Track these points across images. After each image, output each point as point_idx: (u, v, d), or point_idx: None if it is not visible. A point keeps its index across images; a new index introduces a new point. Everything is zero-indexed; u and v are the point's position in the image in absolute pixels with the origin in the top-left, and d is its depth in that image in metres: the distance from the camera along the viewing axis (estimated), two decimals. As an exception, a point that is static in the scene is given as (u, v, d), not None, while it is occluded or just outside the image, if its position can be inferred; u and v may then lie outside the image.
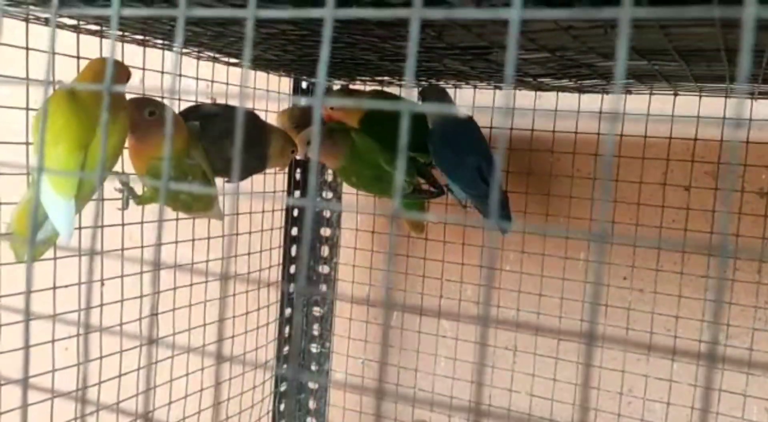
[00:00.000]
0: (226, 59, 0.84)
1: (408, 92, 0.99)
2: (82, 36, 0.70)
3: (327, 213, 1.09)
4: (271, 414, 1.08)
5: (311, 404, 1.12)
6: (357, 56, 0.70)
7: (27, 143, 0.67)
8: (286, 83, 1.00)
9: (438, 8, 0.23)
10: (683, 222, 0.89)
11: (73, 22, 0.66)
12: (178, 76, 0.27)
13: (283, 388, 1.09)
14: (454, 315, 1.03)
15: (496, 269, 0.98)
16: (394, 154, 0.85)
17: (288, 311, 1.07)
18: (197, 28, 0.60)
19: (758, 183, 0.88)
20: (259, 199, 1.00)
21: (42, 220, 0.61)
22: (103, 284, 0.76)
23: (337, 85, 1.01)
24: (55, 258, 0.68)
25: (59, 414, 0.69)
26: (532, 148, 0.96)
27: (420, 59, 0.68)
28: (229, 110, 0.77)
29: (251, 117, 0.81)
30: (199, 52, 0.79)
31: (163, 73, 0.79)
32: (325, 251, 1.10)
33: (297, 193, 1.04)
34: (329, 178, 1.08)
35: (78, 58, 0.70)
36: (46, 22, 0.64)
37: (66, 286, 0.72)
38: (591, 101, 0.90)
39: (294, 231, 1.06)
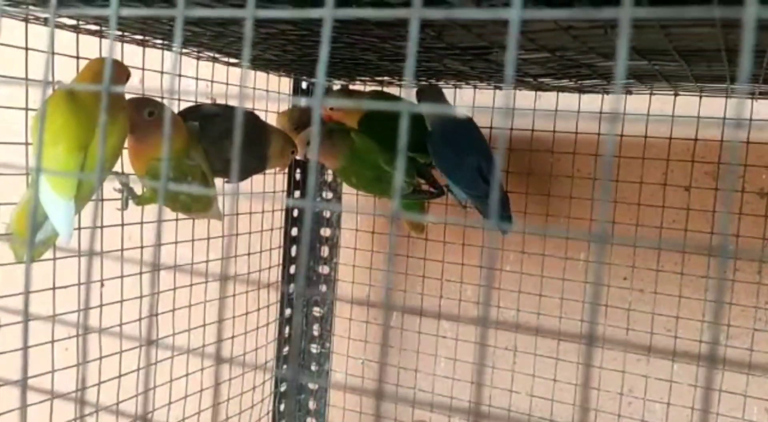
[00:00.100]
0: (226, 59, 0.84)
1: (408, 92, 0.99)
2: (81, 36, 0.70)
3: (327, 214, 1.09)
4: (271, 414, 1.08)
5: (311, 404, 1.12)
6: (357, 56, 0.70)
7: (26, 143, 0.67)
8: (286, 83, 0.99)
9: (437, 8, 0.22)
10: (683, 223, 0.89)
11: (73, 22, 0.66)
12: (177, 77, 0.26)
13: (283, 389, 1.09)
14: (454, 316, 1.03)
15: (497, 269, 0.98)
16: (394, 155, 0.85)
17: (288, 311, 1.07)
18: (197, 28, 0.60)
19: (758, 183, 0.88)
20: (258, 199, 1.00)
21: (41, 221, 0.61)
22: (102, 285, 0.76)
23: (336, 86, 1.01)
24: (54, 259, 0.68)
25: (59, 415, 0.69)
26: (532, 149, 0.96)
27: (420, 59, 0.68)
28: (228, 110, 0.77)
29: (251, 117, 0.81)
30: (198, 52, 0.79)
31: (162, 73, 0.79)
32: (325, 251, 1.10)
33: (297, 194, 1.04)
34: (329, 178, 1.08)
35: (77, 58, 0.70)
36: (45, 22, 0.64)
37: (65, 287, 0.72)
38: (591, 101, 0.90)
39: (294, 231, 1.06)
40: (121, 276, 0.78)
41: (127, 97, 0.67)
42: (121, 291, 0.78)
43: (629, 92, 0.85)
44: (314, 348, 1.11)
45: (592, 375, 0.95)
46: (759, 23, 0.20)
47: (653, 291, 0.92)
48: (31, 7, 0.55)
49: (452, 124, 0.83)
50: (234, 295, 0.95)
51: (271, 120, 0.90)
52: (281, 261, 1.05)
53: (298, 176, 1.04)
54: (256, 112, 0.85)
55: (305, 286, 1.04)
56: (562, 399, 0.97)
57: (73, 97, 0.60)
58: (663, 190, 0.90)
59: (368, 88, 1.00)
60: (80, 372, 0.72)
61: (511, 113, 0.90)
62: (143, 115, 0.67)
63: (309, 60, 0.79)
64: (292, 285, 1.06)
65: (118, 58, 0.73)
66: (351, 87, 1.00)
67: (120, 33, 0.69)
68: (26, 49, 0.66)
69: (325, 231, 1.10)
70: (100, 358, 0.76)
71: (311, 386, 1.12)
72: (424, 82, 0.91)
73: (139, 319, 0.80)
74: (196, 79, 0.86)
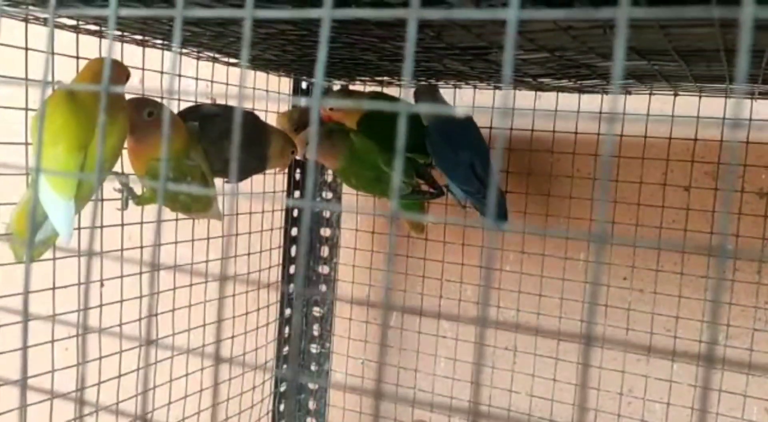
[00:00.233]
0: (225, 59, 0.84)
1: (406, 93, 0.99)
2: (81, 36, 0.70)
3: (327, 214, 1.09)
4: (270, 414, 1.08)
5: (311, 404, 1.12)
6: (356, 56, 0.70)
7: (26, 143, 0.67)
8: (285, 83, 0.99)
9: (436, 8, 0.22)
10: (683, 223, 0.89)
11: (73, 22, 0.66)
12: (177, 77, 0.26)
13: (282, 389, 1.09)
14: (453, 316, 1.03)
15: (496, 269, 0.98)
16: (393, 155, 0.85)
17: (288, 311, 1.07)
18: (196, 28, 0.60)
19: (758, 183, 0.88)
20: (258, 199, 1.00)
21: (41, 221, 0.61)
22: (102, 285, 0.76)
23: (336, 86, 1.01)
24: (54, 259, 0.68)
25: (59, 415, 0.69)
26: (532, 149, 0.96)
27: (419, 59, 0.68)
28: (228, 111, 0.77)
29: (251, 117, 0.81)
30: (198, 52, 0.79)
31: (162, 73, 0.79)
32: (324, 251, 1.10)
33: (297, 194, 1.04)
34: (329, 178, 1.08)
35: (77, 58, 0.70)
36: (45, 22, 0.64)
37: (65, 287, 0.72)
38: (591, 101, 0.90)
39: (294, 231, 1.06)
40: (121, 276, 0.78)
41: (127, 97, 0.67)
42: (121, 291, 0.78)
43: (629, 92, 0.85)
44: (314, 348, 1.11)
45: (591, 375, 0.95)
46: (756, 23, 0.20)
47: (653, 291, 0.92)
48: (30, 8, 0.55)
49: (449, 121, 0.84)
50: (234, 295, 0.95)
51: (271, 120, 0.90)
52: (281, 261, 1.05)
53: (297, 176, 1.04)
54: (256, 113, 0.85)
55: (305, 286, 1.04)
56: (562, 399, 0.97)
57: (73, 97, 0.60)
58: (663, 190, 0.90)
59: (368, 89, 1.00)
60: (80, 372, 0.72)
61: (511, 113, 0.90)
62: (143, 115, 0.67)
63: (309, 60, 0.79)
64: (291, 285, 1.06)
65: (118, 58, 0.73)
66: (350, 87, 1.00)
67: (119, 33, 0.69)
68: (26, 49, 0.66)
69: (325, 232, 1.10)
70: (100, 358, 0.76)
71: (311, 386, 1.12)
72: (423, 82, 0.91)
73: (139, 319, 0.80)
74: (196, 79, 0.86)
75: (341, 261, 1.09)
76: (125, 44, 0.74)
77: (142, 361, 0.80)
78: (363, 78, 0.95)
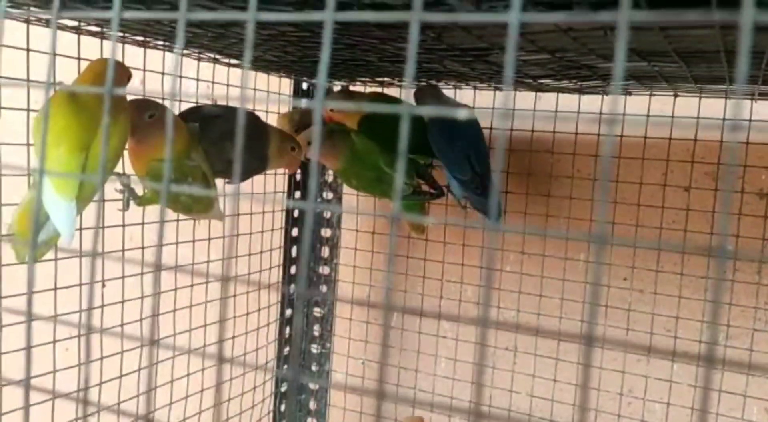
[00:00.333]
0: (226, 60, 0.84)
1: (407, 93, 0.99)
2: (82, 36, 0.70)
3: (327, 214, 1.10)
4: (271, 414, 1.08)
5: (311, 404, 1.12)
6: (357, 57, 0.70)
7: (28, 144, 0.67)
8: (286, 84, 1.00)
9: (438, 11, 0.23)
10: (683, 223, 0.89)
11: (74, 23, 0.66)
12: (179, 79, 0.27)
13: (283, 389, 1.09)
14: (454, 316, 1.03)
15: (497, 270, 0.98)
16: (394, 156, 0.85)
17: (288, 312, 1.07)
18: (198, 30, 0.60)
19: (758, 184, 0.88)
20: (259, 200, 1.00)
21: (43, 221, 0.61)
22: (104, 285, 0.76)
23: (337, 86, 1.01)
24: (56, 260, 0.68)
25: (59, 415, 0.69)
26: (532, 149, 0.96)
27: (420, 61, 0.68)
28: (229, 111, 0.78)
29: (251, 118, 0.81)
30: (199, 53, 0.79)
31: (163, 74, 0.79)
32: (325, 252, 1.10)
33: (297, 194, 1.04)
34: (329, 178, 1.09)
35: (79, 58, 0.70)
36: (47, 23, 0.64)
37: (67, 287, 0.72)
38: (591, 102, 0.90)
39: (294, 231, 1.06)
40: (122, 277, 0.78)
41: (129, 98, 0.68)
42: (122, 291, 0.78)
43: (629, 93, 0.86)
44: (315, 349, 1.12)
45: (592, 376, 0.95)
46: (756, 25, 0.21)
47: (653, 292, 0.92)
48: (33, 9, 0.55)
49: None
50: (234, 296, 0.95)
51: (272, 121, 0.90)
52: (282, 262, 1.05)
53: (298, 176, 1.04)
54: (257, 113, 0.86)
55: (306, 287, 1.04)
56: (562, 400, 0.97)
57: (75, 98, 0.60)
58: (663, 191, 0.90)
59: (368, 89, 1.00)
60: (83, 372, 0.72)
61: (511, 114, 0.90)
62: (144, 116, 0.67)
63: (310, 61, 0.79)
64: (292, 286, 1.06)
65: (119, 59, 0.73)
66: (351, 88, 1.00)
67: (121, 34, 0.69)
68: (27, 50, 0.66)
69: (326, 232, 1.10)
70: (101, 358, 0.76)
71: (312, 386, 1.12)
72: (423, 83, 0.91)
73: (140, 319, 0.80)
74: (197, 79, 0.87)
75: (342, 262, 1.09)
76: (126, 45, 0.74)
77: (144, 361, 0.80)
78: (363, 78, 0.95)
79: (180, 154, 0.70)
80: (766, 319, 0.88)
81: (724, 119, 0.82)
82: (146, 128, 0.67)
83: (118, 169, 0.70)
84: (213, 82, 0.88)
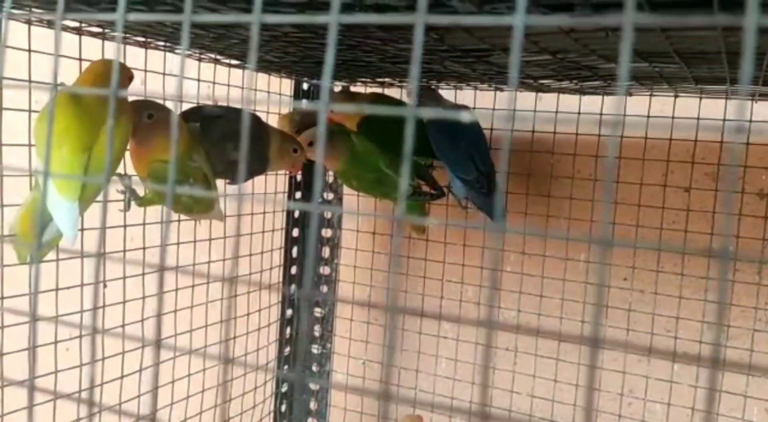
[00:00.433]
0: (227, 61, 0.84)
1: (409, 95, 0.99)
2: (83, 36, 0.70)
3: (328, 215, 1.10)
4: (272, 415, 1.09)
5: (312, 405, 1.12)
6: (358, 58, 0.70)
7: (29, 145, 0.67)
8: (287, 85, 1.00)
9: (441, 14, 0.23)
10: (683, 224, 0.89)
11: (76, 23, 0.66)
12: (181, 80, 0.27)
13: (284, 389, 1.09)
14: (456, 318, 1.03)
15: (497, 270, 0.98)
16: (394, 157, 0.86)
17: (289, 312, 1.07)
18: (200, 31, 0.60)
19: (758, 184, 0.88)
20: (263, 202, 1.00)
21: (46, 222, 0.61)
22: (105, 286, 0.76)
23: (338, 87, 1.01)
24: (57, 260, 0.69)
25: (61, 415, 0.69)
26: (532, 150, 0.96)
27: (421, 61, 0.68)
28: (230, 112, 0.78)
29: (253, 119, 0.81)
30: (200, 53, 0.79)
31: (164, 74, 0.79)
32: (326, 252, 1.10)
33: (298, 194, 1.04)
34: (330, 179, 1.09)
35: (80, 59, 0.70)
36: (48, 24, 0.64)
37: (68, 288, 0.72)
38: (591, 102, 0.90)
39: (295, 232, 1.06)
40: (123, 278, 0.78)
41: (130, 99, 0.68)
42: (124, 292, 0.78)
43: (630, 94, 0.86)
44: (315, 349, 1.12)
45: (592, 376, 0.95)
46: (760, 28, 0.21)
47: (653, 292, 0.92)
48: (36, 11, 0.55)
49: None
50: (235, 296, 0.95)
51: (272, 121, 0.90)
52: (283, 262, 1.05)
53: (299, 177, 1.04)
54: (258, 114, 0.86)
55: (312, 288, 1.04)
56: (563, 400, 0.97)
57: (77, 98, 0.60)
58: (663, 191, 0.90)
59: (369, 90, 1.00)
60: (88, 373, 0.72)
61: (515, 117, 0.90)
62: (143, 117, 0.67)
63: (311, 61, 0.79)
64: (293, 286, 1.06)
65: (120, 59, 0.73)
66: (351, 88, 1.00)
67: (123, 35, 0.69)
68: (29, 50, 0.66)
69: (326, 232, 1.10)
70: (103, 359, 0.76)
71: (312, 386, 1.12)
72: (424, 84, 0.91)
73: (142, 320, 0.80)
74: (198, 80, 0.87)
75: (342, 262, 1.09)
76: (128, 46, 0.74)
77: (146, 362, 0.80)
78: (364, 79, 0.96)
79: (182, 154, 0.70)
80: (767, 319, 0.88)
81: (724, 120, 0.82)
82: (146, 129, 0.67)
83: (120, 169, 0.70)
84: (214, 83, 0.88)
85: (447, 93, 0.95)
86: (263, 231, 0.99)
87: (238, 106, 0.77)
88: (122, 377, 0.79)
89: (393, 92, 0.99)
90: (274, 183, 1.00)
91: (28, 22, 0.64)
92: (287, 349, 1.08)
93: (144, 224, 0.78)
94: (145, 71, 0.77)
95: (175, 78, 0.83)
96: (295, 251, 1.06)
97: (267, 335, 1.04)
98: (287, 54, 0.73)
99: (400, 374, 1.06)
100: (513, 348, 1.00)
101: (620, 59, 0.20)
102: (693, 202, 0.90)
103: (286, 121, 0.91)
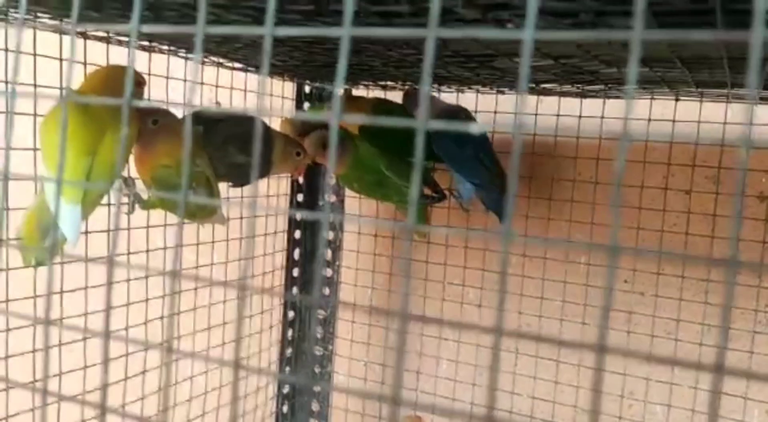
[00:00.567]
0: (230, 64, 0.84)
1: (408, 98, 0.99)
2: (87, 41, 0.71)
3: (330, 217, 1.10)
4: (274, 416, 1.09)
5: (314, 406, 1.12)
6: (362, 62, 0.71)
7: (35, 149, 0.68)
8: (289, 88, 1.00)
9: (452, 24, 0.23)
10: (684, 226, 0.90)
11: (81, 28, 0.66)
12: (197, 88, 0.27)
13: (286, 391, 1.09)
14: (465, 324, 1.03)
15: (497, 272, 0.98)
16: (395, 160, 0.86)
17: (291, 314, 1.08)
18: (204, 36, 0.61)
19: (758, 187, 0.88)
20: (269, 209, 1.00)
21: (52, 225, 0.62)
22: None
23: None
24: (62, 263, 0.69)
25: (63, 417, 0.70)
26: (534, 152, 0.97)
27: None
28: (233, 115, 0.78)
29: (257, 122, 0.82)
30: (204, 57, 0.80)
31: (167, 78, 0.79)
32: (327, 254, 1.10)
33: (300, 197, 1.05)
34: (331, 181, 1.09)
35: (85, 64, 0.70)
36: (55, 28, 0.64)
37: (72, 290, 0.72)
38: (592, 105, 0.90)
39: (297, 234, 1.06)
40: (128, 280, 0.79)
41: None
42: (128, 295, 0.79)
43: (632, 98, 0.86)
44: (317, 351, 1.12)
45: (591, 378, 0.95)
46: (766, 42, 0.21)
47: (654, 295, 0.92)
48: (47, 21, 0.56)
49: (451, 116, 0.85)
50: (239, 299, 0.95)
51: (274, 125, 0.91)
52: (284, 264, 1.06)
53: (300, 179, 1.05)
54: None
55: (313, 290, 1.04)
56: (563, 401, 0.98)
57: (81, 103, 0.61)
58: (664, 194, 0.90)
59: (371, 93, 1.00)
60: (86, 374, 0.72)
61: (516, 120, 0.91)
62: (148, 123, 0.68)
63: (313, 65, 0.79)
64: (294, 289, 1.07)
65: (123, 63, 0.74)
66: (353, 92, 1.00)
67: (125, 39, 0.70)
68: (34, 54, 0.66)
69: (329, 235, 1.10)
70: (105, 361, 0.76)
71: (314, 388, 1.12)
72: (410, 86, 0.92)
73: (145, 322, 0.80)
74: (201, 84, 0.87)
75: (344, 264, 1.10)
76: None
77: (152, 364, 0.80)
78: (366, 82, 0.96)
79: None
80: (767, 322, 0.89)
81: (725, 122, 0.82)
82: (151, 134, 0.68)
83: (123, 173, 0.70)
84: (217, 86, 0.89)
85: (449, 96, 0.96)
86: (265, 234, 1.00)
87: (247, 113, 0.78)
88: (126, 379, 0.79)
89: (394, 95, 0.99)
90: (276, 185, 1.01)
91: (34, 27, 0.64)
92: (289, 351, 1.08)
93: (147, 227, 0.79)
94: (149, 75, 0.77)
95: (178, 81, 0.83)
96: (296, 253, 1.06)
97: (269, 337, 1.05)
98: (291, 58, 0.73)
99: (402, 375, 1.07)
100: (514, 350, 1.01)
101: (628, 73, 0.21)
102: (693, 204, 0.90)
103: (289, 124, 0.91)
